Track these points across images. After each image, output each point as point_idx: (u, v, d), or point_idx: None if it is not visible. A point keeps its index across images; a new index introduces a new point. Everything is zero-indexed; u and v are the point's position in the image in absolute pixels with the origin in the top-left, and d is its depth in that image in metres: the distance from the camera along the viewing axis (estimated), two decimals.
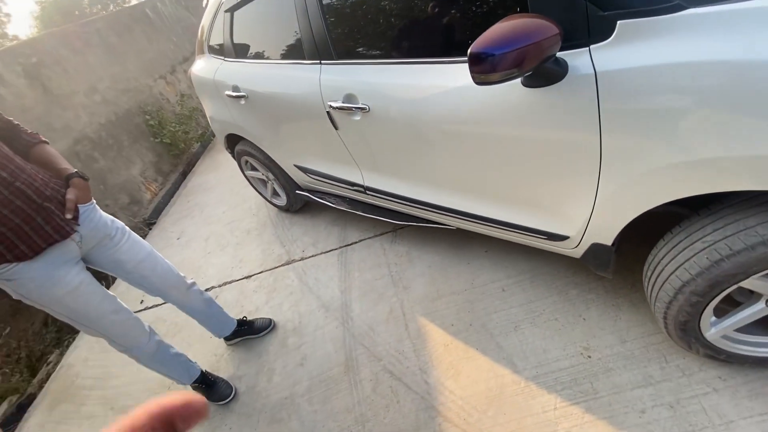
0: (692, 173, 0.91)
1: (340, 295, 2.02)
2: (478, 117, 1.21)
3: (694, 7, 0.84)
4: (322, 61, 1.65)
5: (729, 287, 0.98)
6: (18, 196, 1.17)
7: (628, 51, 0.90)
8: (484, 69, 0.91)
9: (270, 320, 2.02)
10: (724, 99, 0.81)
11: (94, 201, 1.41)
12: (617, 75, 0.92)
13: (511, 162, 1.24)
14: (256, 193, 2.99)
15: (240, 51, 2.14)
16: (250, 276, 2.43)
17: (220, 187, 3.70)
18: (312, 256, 2.37)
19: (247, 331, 1.98)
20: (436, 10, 1.26)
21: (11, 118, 1.33)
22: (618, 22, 0.91)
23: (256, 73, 2.01)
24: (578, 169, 1.10)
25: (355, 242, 2.32)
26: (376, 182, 1.84)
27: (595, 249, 1.26)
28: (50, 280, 1.25)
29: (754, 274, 0.93)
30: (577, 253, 1.34)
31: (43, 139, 1.37)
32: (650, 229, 1.17)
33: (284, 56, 1.86)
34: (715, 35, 0.81)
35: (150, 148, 4.26)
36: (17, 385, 2.33)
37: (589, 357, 1.37)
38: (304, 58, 1.73)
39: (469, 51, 0.92)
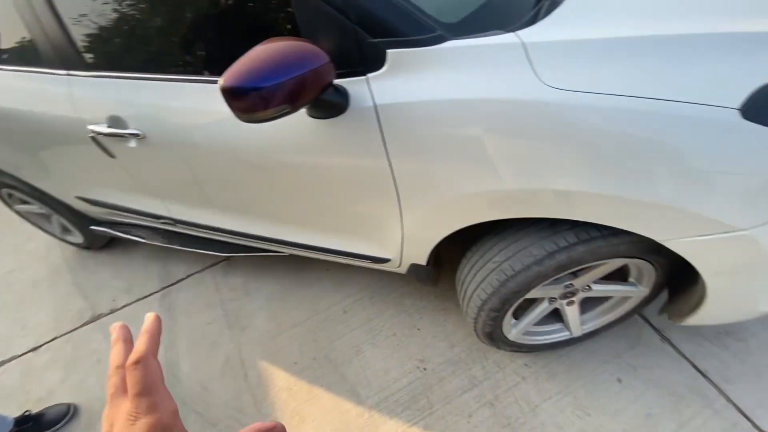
0: (476, 202, 0.92)
1: (164, 352, 1.68)
2: (269, 148, 1.04)
3: (458, 39, 0.81)
4: (71, 72, 1.24)
5: (517, 301, 1.06)
6: None
7: (401, 82, 0.84)
8: (249, 106, 0.74)
9: (68, 406, 1.56)
10: (490, 134, 0.81)
11: None
12: (394, 107, 0.85)
13: (314, 192, 1.12)
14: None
15: None
16: (39, 347, 1.85)
17: None
18: (125, 305, 1.92)
19: (32, 431, 1.49)
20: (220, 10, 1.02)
21: None
22: (387, 51, 0.83)
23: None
24: (379, 198, 1.04)
25: (182, 279, 1.96)
26: (184, 213, 1.53)
27: (415, 268, 1.26)
28: None
29: (534, 287, 1.02)
30: (402, 270, 1.33)
31: None
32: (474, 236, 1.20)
33: (15, 59, 1.36)
34: (477, 70, 0.80)
35: None
36: None
37: (425, 369, 1.40)
38: (43, 65, 1.28)
39: (220, 84, 0.73)
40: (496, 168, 0.83)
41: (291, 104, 0.77)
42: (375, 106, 0.86)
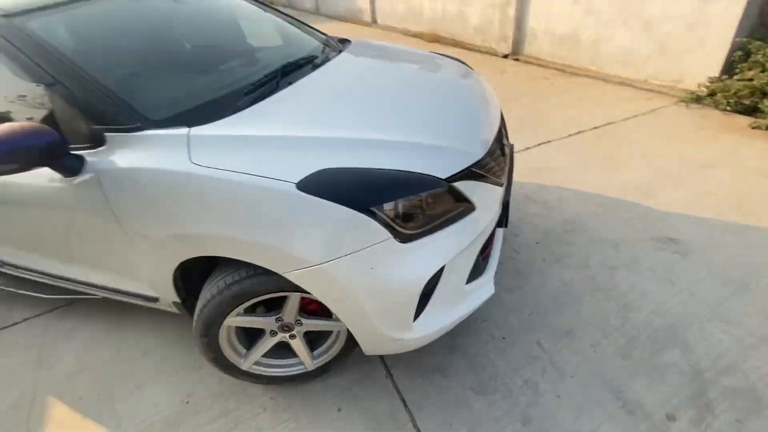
0: (180, 244, 1.22)
1: None
2: (22, 196, 1.35)
3: (151, 130, 1.19)
4: None
5: (219, 328, 1.31)
6: None
7: (116, 155, 1.20)
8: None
9: None
10: (159, 194, 1.15)
11: None
12: (108, 173, 1.20)
13: (71, 231, 1.41)
14: None
15: None
16: None
17: None
18: None
19: None
20: None
21: None
22: (105, 134, 1.20)
23: None
24: (110, 235, 1.31)
25: (17, 323, 2.09)
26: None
27: (178, 305, 1.51)
28: None
29: (228, 314, 1.28)
30: (175, 309, 1.56)
31: None
32: None
33: None
34: (155, 150, 1.16)
35: None
36: None
37: (188, 403, 1.56)
38: None
39: None
40: (167, 217, 1.16)
41: (19, 165, 1.10)
42: (98, 171, 1.21)
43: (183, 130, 1.18)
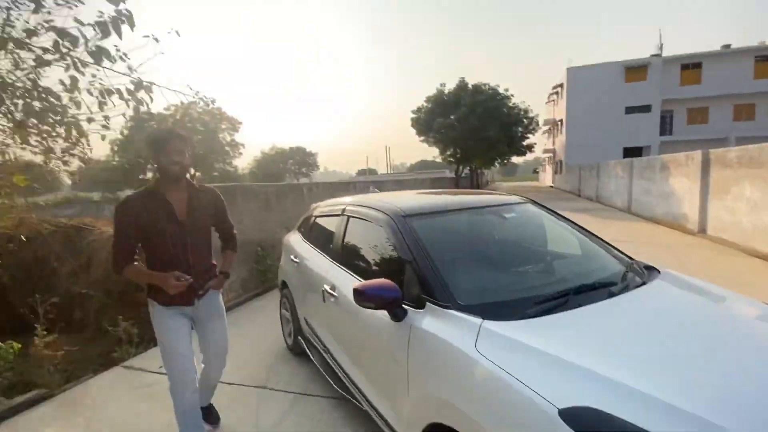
0: (435, 408, 1.46)
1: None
2: (366, 321, 1.98)
3: (456, 311, 1.58)
4: (333, 260, 2.69)
5: None
6: (183, 259, 1.99)
7: (428, 319, 1.64)
8: (361, 298, 1.75)
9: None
10: (443, 364, 1.45)
11: (220, 293, 2.27)
12: (417, 329, 1.63)
13: (372, 354, 1.90)
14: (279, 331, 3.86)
15: (309, 235, 3.41)
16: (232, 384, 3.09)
17: (265, 317, 4.71)
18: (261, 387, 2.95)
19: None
20: (371, 246, 2.21)
21: (235, 232, 2.36)
22: (426, 302, 1.68)
23: (307, 252, 3.18)
24: (400, 378, 1.69)
25: (309, 395, 2.85)
26: (328, 342, 2.55)
27: None
28: (164, 319, 2.04)
29: None
30: None
31: (233, 249, 2.37)
32: None
33: (322, 249, 2.99)
34: (452, 327, 1.52)
35: (248, 268, 5.76)
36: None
37: None
38: (329, 255, 2.81)
39: (353, 287, 1.78)
40: (437, 380, 1.42)
41: (381, 305, 1.71)
42: (413, 324, 1.67)
43: (477, 320, 1.48)
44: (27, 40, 1.91)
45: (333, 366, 2.55)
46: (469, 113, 24.90)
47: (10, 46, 1.88)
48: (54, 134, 2.29)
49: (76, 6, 2.01)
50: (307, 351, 3.04)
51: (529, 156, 32.26)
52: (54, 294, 4.20)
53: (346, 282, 2.29)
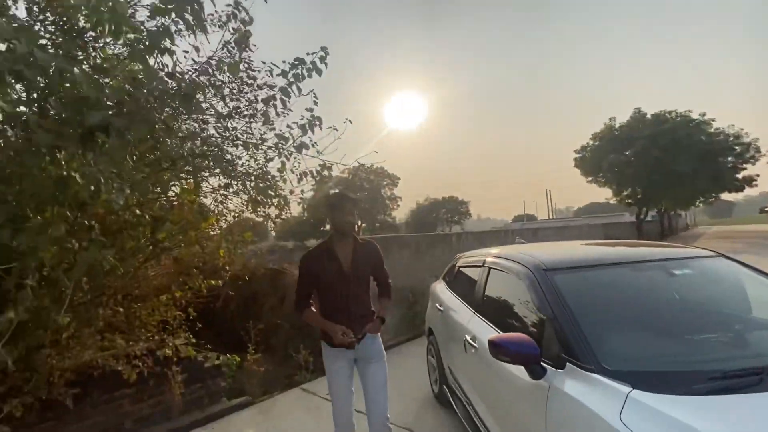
0: None
1: None
2: (501, 373, 1.95)
3: (600, 376, 1.46)
4: (474, 311, 2.74)
5: None
6: (345, 306, 2.21)
7: (566, 381, 1.55)
8: (496, 351, 1.80)
9: None
10: (582, 430, 1.35)
11: (379, 335, 2.39)
12: (557, 390, 1.56)
13: (511, 409, 1.84)
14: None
15: (453, 284, 3.54)
16: None
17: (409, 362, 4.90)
18: None
19: None
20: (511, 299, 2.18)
21: (390, 280, 2.49)
22: (567, 362, 1.60)
23: (450, 300, 3.31)
24: None
25: None
26: (470, 393, 2.54)
27: None
28: (331, 360, 2.28)
29: None
30: None
31: (389, 296, 2.49)
32: None
33: (464, 298, 3.08)
34: (596, 393, 1.40)
35: (399, 313, 6.19)
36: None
37: None
38: (470, 305, 2.88)
39: (489, 338, 1.84)
40: None
41: (512, 359, 1.73)
42: (551, 384, 1.61)
43: (625, 389, 1.34)
44: (259, 143, 2.84)
45: (474, 419, 2.52)
46: (649, 145, 21.20)
47: (251, 148, 2.83)
48: (270, 204, 3.22)
49: (287, 114, 2.86)
50: (451, 401, 3.07)
51: (752, 191, 24.58)
52: (260, 322, 5.44)
53: (486, 333, 2.31)
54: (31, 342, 2.38)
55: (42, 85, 1.59)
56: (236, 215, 4.31)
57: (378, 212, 44.67)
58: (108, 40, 1.89)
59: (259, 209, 3.62)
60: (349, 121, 3.23)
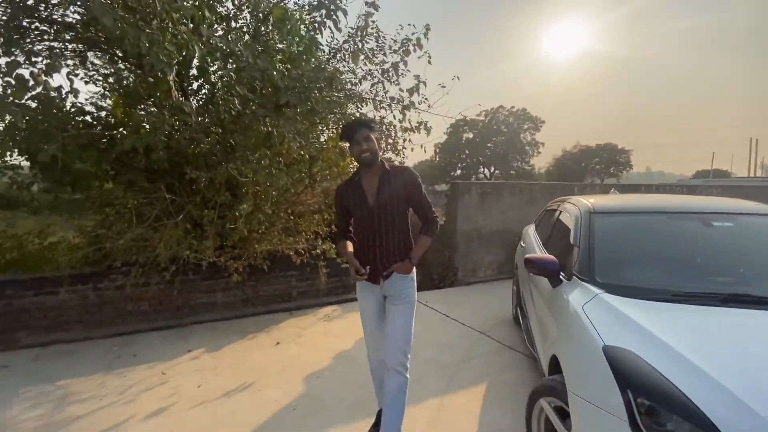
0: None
1: None
2: (538, 289, 2.57)
3: (589, 283, 2.01)
4: (541, 245, 3.27)
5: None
6: (372, 240, 2.08)
7: (568, 286, 2.14)
8: (528, 266, 2.45)
9: None
10: (563, 316, 1.98)
11: (410, 275, 2.13)
12: (560, 293, 2.16)
13: (540, 312, 2.48)
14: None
15: (538, 226, 4.00)
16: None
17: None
18: None
19: None
20: (563, 233, 2.68)
21: (435, 215, 2.19)
22: (573, 276, 2.16)
23: (532, 238, 3.82)
24: (547, 325, 2.26)
25: (512, 348, 3.57)
26: None
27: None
28: (360, 291, 2.23)
29: None
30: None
31: (429, 234, 2.14)
32: None
33: (540, 235, 3.57)
34: (576, 293, 1.99)
35: (506, 254, 6.75)
36: None
37: None
38: (540, 239, 3.39)
39: (525, 257, 2.48)
40: (562, 327, 1.97)
41: (542, 273, 2.35)
42: (558, 290, 2.21)
43: (597, 290, 1.88)
44: (380, 101, 3.80)
45: (527, 326, 3.20)
46: None
47: (376, 105, 3.82)
48: (387, 149, 4.25)
49: (404, 76, 3.66)
50: (520, 318, 3.75)
51: None
52: None
53: None
54: (250, 227, 4.02)
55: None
56: None
57: (514, 159, 42.22)
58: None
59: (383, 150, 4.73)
60: (457, 78, 3.84)
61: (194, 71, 4.04)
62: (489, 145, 40.64)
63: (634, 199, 2.85)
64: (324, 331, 4.15)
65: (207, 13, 2.47)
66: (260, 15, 2.85)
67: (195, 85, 4.64)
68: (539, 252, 3.13)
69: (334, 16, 2.61)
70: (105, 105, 4.32)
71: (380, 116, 4.09)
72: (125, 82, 4.72)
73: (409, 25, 3.49)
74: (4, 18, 2.91)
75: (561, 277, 2.27)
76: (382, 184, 2.08)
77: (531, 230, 4.21)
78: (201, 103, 4.21)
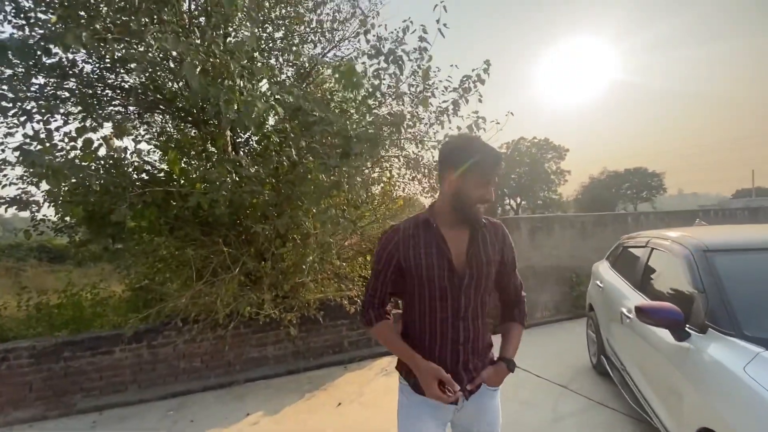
0: (699, 415, 1.67)
1: None
2: (651, 335, 2.24)
3: (737, 338, 1.70)
4: (633, 286, 2.93)
5: None
6: (451, 330, 1.28)
7: (705, 343, 1.82)
8: (641, 315, 2.15)
9: None
10: (709, 381, 1.66)
11: (499, 389, 1.39)
12: (696, 350, 1.84)
13: (656, 368, 2.14)
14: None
15: (615, 264, 3.66)
16: None
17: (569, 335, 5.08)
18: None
19: None
20: (668, 276, 2.36)
21: (524, 294, 1.48)
22: (709, 328, 1.85)
23: (612, 278, 3.48)
24: (680, 386, 1.92)
25: (604, 405, 3.14)
26: (627, 363, 2.81)
27: None
28: (412, 416, 1.31)
29: None
30: None
31: (523, 322, 1.46)
32: None
33: (625, 276, 3.24)
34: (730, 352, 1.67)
35: (561, 292, 6.29)
36: None
37: None
38: (629, 281, 3.06)
39: (635, 305, 2.19)
40: (705, 392, 1.64)
41: (662, 324, 2.05)
42: (693, 346, 1.89)
43: (757, 349, 1.57)
44: (435, 143, 3.71)
45: (628, 382, 2.81)
46: None
47: (429, 148, 3.72)
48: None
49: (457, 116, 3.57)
50: (608, 369, 3.34)
51: None
52: None
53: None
54: (296, 279, 3.89)
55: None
56: (410, 198, 5.39)
57: (540, 188, 41.56)
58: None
59: (429, 193, 4.58)
60: (511, 113, 3.73)
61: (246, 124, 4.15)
62: (513, 176, 40.30)
63: (744, 232, 2.53)
64: (385, 388, 3.83)
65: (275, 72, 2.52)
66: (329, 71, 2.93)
67: (243, 137, 4.75)
68: (634, 296, 2.81)
69: (399, 62, 2.59)
70: (158, 164, 4.44)
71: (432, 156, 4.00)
72: (180, 139, 4.89)
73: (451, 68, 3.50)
74: (80, 88, 3.05)
75: (687, 328, 1.96)
76: (475, 240, 1.33)
77: (605, 269, 3.86)
78: (253, 154, 4.26)
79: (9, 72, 2.45)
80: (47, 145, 2.91)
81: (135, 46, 2.43)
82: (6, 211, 3.21)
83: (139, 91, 3.86)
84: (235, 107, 2.15)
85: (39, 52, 2.30)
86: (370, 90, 2.66)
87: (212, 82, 2.18)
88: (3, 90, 2.30)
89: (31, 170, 2.53)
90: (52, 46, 2.25)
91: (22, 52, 2.12)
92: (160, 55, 2.73)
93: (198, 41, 2.44)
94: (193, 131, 4.31)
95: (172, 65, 2.97)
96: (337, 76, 2.67)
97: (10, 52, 2.01)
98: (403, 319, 1.42)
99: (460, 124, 3.29)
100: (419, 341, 1.33)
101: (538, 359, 4.30)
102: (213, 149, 3.91)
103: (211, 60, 2.32)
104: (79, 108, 2.90)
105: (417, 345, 1.33)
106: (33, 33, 2.27)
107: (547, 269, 6.26)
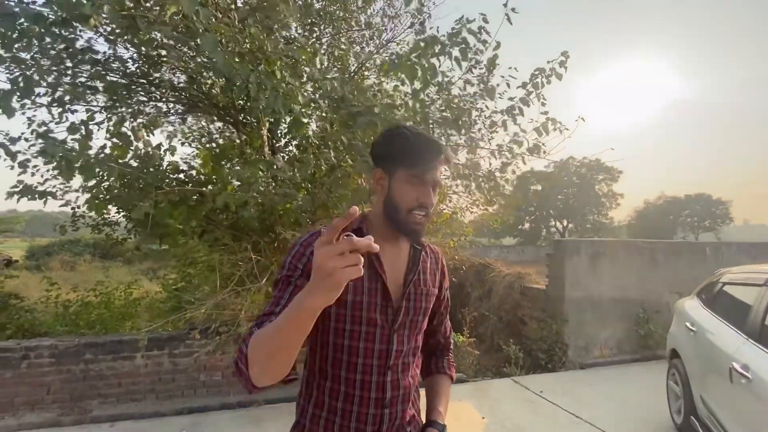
0: None
1: None
2: None
3: None
4: (748, 337, 2.28)
5: None
6: (375, 384, 0.92)
7: None
8: None
9: None
10: None
11: None
12: None
13: None
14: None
15: (713, 304, 2.97)
16: None
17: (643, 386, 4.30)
18: None
19: None
20: None
21: (451, 339, 1.22)
22: None
23: (709, 321, 2.80)
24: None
25: None
26: None
27: None
28: None
29: None
30: None
31: (452, 374, 1.16)
32: None
33: (732, 321, 2.56)
34: None
35: (625, 329, 5.48)
36: None
37: None
38: (741, 330, 2.40)
39: None
40: None
41: None
42: None
43: None
44: (498, 149, 3.25)
45: None
46: None
47: (491, 154, 3.26)
48: (495, 201, 3.62)
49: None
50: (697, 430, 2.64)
51: None
52: (470, 310, 5.92)
53: (766, 363, 1.93)
54: None
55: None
56: (455, 212, 4.91)
57: (590, 212, 39.17)
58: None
59: (481, 206, 4.07)
60: (582, 119, 3.19)
61: (284, 127, 3.90)
62: (560, 197, 38.33)
63: None
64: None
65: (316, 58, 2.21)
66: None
67: (283, 142, 4.54)
68: (753, 350, 2.16)
69: (460, 47, 2.20)
70: (195, 164, 4.31)
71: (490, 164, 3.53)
72: (217, 140, 4.77)
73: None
74: (107, 74, 2.92)
75: None
76: (415, 264, 1.01)
77: (696, 308, 3.17)
78: (290, 157, 4.01)
79: (36, 53, 2.32)
80: (83, 139, 2.79)
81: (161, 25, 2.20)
82: (45, 202, 3.13)
83: (180, 85, 3.75)
84: (266, 93, 1.85)
85: (55, 28, 2.14)
86: (428, 79, 2.28)
87: (242, 62, 1.91)
88: (26, 69, 2.17)
89: (53, 163, 2.37)
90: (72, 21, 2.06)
91: (35, 21, 1.96)
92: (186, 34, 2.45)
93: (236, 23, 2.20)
94: (233, 133, 4.15)
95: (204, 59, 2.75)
96: (389, 66, 2.32)
97: (23, 19, 1.87)
98: (313, 362, 0.97)
99: (526, 127, 2.81)
100: (327, 400, 0.94)
101: (601, 409, 3.62)
102: (250, 150, 3.71)
103: (247, 44, 2.06)
104: (110, 99, 2.77)
105: (323, 407, 0.94)
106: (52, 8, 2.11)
107: (609, 301, 5.48)
